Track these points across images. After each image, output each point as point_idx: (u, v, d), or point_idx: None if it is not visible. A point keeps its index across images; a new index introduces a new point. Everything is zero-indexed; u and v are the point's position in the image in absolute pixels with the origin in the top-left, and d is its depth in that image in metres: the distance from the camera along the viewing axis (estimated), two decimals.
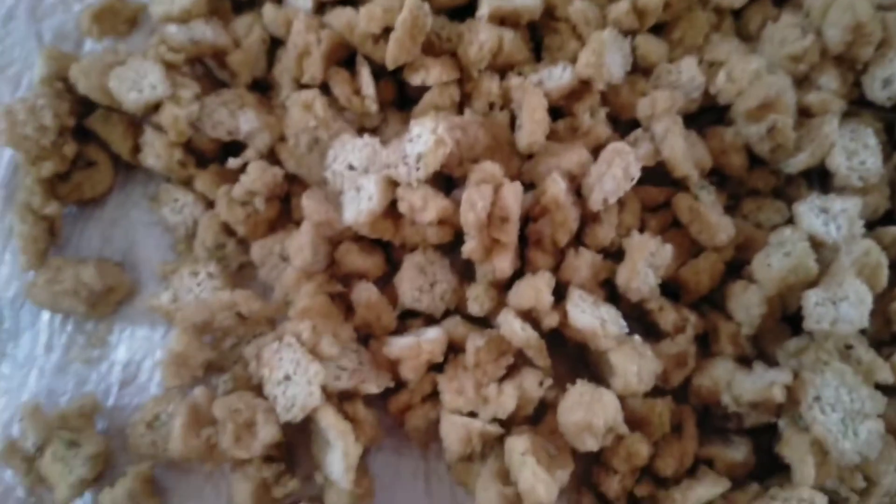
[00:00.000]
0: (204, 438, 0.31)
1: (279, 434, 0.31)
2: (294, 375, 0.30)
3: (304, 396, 0.30)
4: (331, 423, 0.30)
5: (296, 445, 0.33)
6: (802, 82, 0.39)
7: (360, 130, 0.37)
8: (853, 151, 0.37)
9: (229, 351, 0.34)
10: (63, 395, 0.34)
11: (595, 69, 0.36)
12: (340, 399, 0.32)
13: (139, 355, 0.35)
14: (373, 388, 0.32)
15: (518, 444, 0.30)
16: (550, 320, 0.32)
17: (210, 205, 0.36)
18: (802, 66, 0.39)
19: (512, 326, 0.31)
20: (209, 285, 0.35)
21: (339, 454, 0.30)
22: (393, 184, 0.32)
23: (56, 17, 0.43)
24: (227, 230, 0.36)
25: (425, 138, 0.31)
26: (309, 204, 0.34)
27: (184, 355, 0.32)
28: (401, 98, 0.39)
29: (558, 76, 0.37)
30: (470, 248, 0.32)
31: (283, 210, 0.37)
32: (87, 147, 0.37)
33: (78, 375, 0.35)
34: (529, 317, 0.32)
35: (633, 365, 0.31)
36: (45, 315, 0.36)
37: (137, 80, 0.35)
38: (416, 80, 0.36)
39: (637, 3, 0.38)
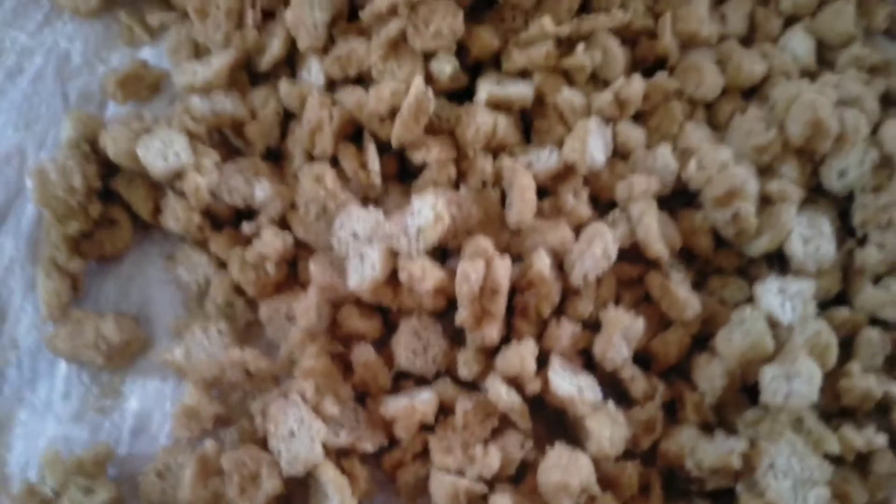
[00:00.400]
0: (211, 489, 0.33)
1: (281, 487, 0.33)
2: (298, 432, 0.33)
3: (306, 452, 0.33)
4: (330, 477, 0.33)
5: (295, 498, 0.35)
6: (765, 171, 0.43)
7: (364, 200, 0.40)
8: (809, 238, 0.41)
9: (236, 405, 0.37)
10: (78, 442, 0.36)
11: (579, 155, 0.40)
12: (338, 455, 0.35)
13: (150, 406, 0.37)
14: (369, 446, 0.35)
15: (501, 502, 0.33)
16: (534, 386, 0.35)
17: (222, 266, 0.39)
18: (766, 157, 0.43)
19: (498, 391, 0.34)
20: (219, 342, 0.37)
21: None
22: (394, 254, 0.35)
23: (81, 78, 0.46)
24: (237, 290, 0.39)
25: (426, 214, 0.35)
26: (316, 269, 0.37)
27: (195, 409, 0.35)
28: (402, 171, 0.42)
29: (545, 159, 0.41)
30: (462, 317, 0.35)
31: (289, 273, 0.40)
32: (110, 207, 0.40)
33: (92, 423, 0.37)
34: (514, 382, 0.36)
35: (607, 430, 0.35)
36: (63, 365, 0.38)
37: (164, 149, 0.38)
38: (417, 157, 0.40)
39: (619, 94, 0.42)
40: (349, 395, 0.36)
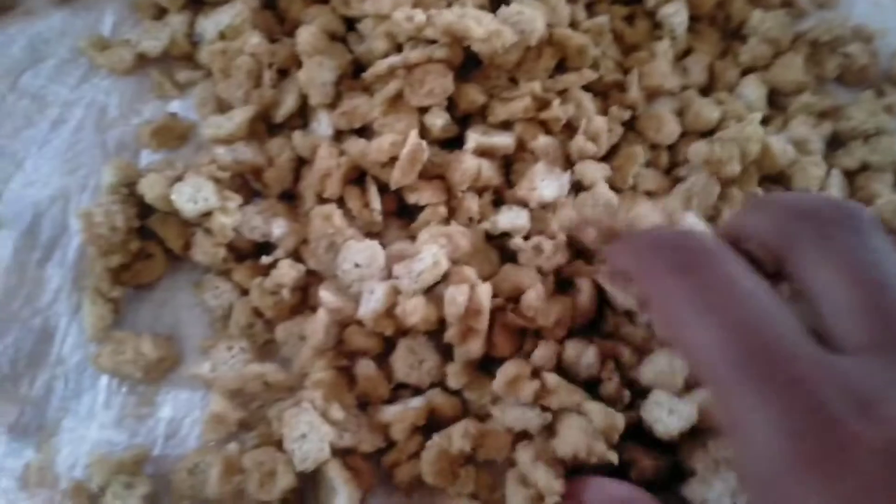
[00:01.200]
0: (235, 484, 0.39)
1: (295, 481, 0.39)
2: (308, 434, 0.39)
3: (316, 451, 0.39)
4: (337, 473, 0.39)
5: (306, 491, 0.41)
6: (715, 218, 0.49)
7: (367, 235, 0.46)
8: None
9: (256, 411, 0.42)
10: (118, 446, 0.42)
11: (526, 191, 0.46)
12: (343, 454, 0.40)
13: (181, 414, 0.43)
14: (368, 447, 0.40)
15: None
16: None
17: (244, 292, 0.45)
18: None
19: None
20: (241, 358, 0.43)
21: (343, 498, 0.38)
22: (397, 291, 0.41)
23: (118, 129, 0.52)
24: (257, 313, 0.45)
25: (427, 260, 0.41)
26: (325, 295, 0.43)
27: (221, 415, 0.41)
28: (400, 208, 0.48)
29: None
30: (451, 334, 0.41)
31: (302, 298, 0.45)
32: (147, 243, 0.46)
33: (130, 429, 0.42)
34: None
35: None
36: (104, 378, 0.44)
37: (194, 194, 0.44)
38: (412, 199, 0.46)
39: (587, 131, 0.48)
40: (353, 402, 0.41)
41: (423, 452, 0.39)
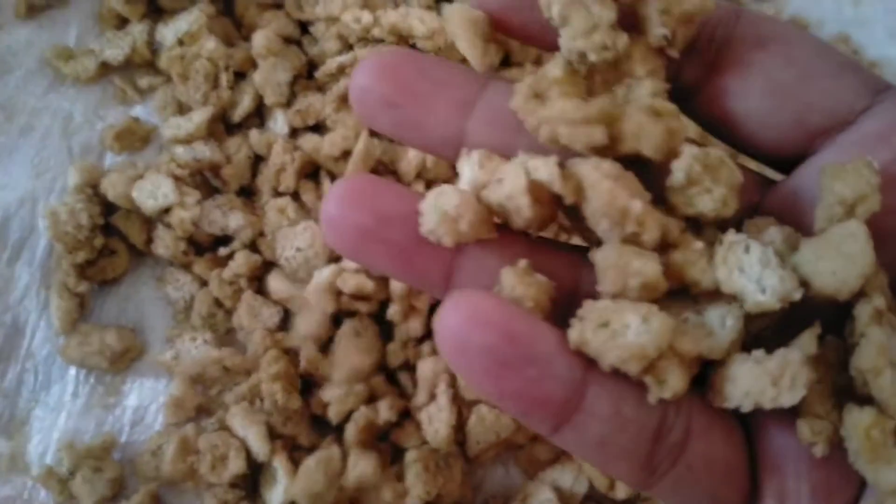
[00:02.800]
0: (188, 464, 0.41)
1: (245, 468, 0.41)
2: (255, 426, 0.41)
3: (262, 440, 0.40)
4: (281, 464, 0.40)
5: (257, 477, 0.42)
6: None
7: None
8: None
9: (215, 397, 0.45)
10: (86, 433, 0.44)
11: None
12: (285, 444, 0.42)
13: (146, 401, 0.45)
14: (305, 441, 0.42)
15: None
16: None
17: (204, 284, 0.47)
18: None
19: None
20: (203, 347, 0.45)
21: (280, 490, 0.40)
22: (343, 271, 0.43)
23: (83, 134, 0.54)
24: (217, 303, 0.47)
25: None
26: (274, 284, 0.45)
27: (180, 399, 0.43)
28: None
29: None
30: (393, 311, 0.43)
31: (259, 287, 0.48)
32: (110, 239, 0.48)
33: (98, 417, 0.44)
34: None
35: None
36: (73, 370, 0.46)
37: (154, 191, 0.46)
38: None
39: None
40: (297, 385, 0.43)
41: (351, 421, 0.41)
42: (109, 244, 0.48)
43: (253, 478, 0.42)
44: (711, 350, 0.19)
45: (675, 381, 0.18)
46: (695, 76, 0.21)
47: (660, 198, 0.20)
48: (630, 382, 0.18)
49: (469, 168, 0.20)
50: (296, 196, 0.49)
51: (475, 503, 0.42)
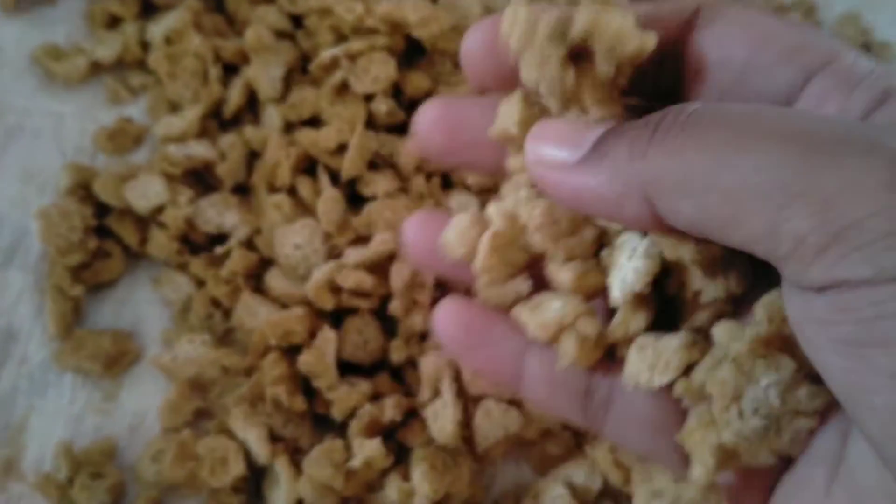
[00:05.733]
0: (188, 469, 0.40)
1: (245, 470, 0.40)
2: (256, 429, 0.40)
3: (264, 444, 0.39)
4: (283, 467, 0.39)
5: (259, 480, 0.42)
6: None
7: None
8: None
9: (216, 399, 0.44)
10: (84, 439, 0.43)
11: None
12: (287, 447, 0.41)
13: (145, 406, 0.44)
14: (306, 444, 0.41)
15: None
16: None
17: (201, 284, 0.46)
18: None
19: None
20: (202, 348, 0.44)
21: (283, 493, 0.39)
22: (342, 266, 0.42)
23: (75, 135, 0.53)
24: (215, 303, 0.46)
25: (377, 243, 0.42)
26: (273, 281, 0.44)
27: (176, 402, 0.42)
28: (353, 197, 0.49)
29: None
30: (394, 306, 0.42)
31: (257, 285, 0.47)
32: (104, 241, 0.47)
33: (95, 423, 0.43)
34: None
35: None
36: (69, 375, 0.45)
37: (146, 191, 0.45)
38: (367, 191, 0.47)
39: None
40: (298, 387, 0.42)
41: (355, 419, 0.40)
42: (104, 246, 0.47)
43: (256, 481, 0.41)
44: (611, 334, 0.22)
45: (571, 351, 0.22)
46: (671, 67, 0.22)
47: None
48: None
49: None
50: (293, 192, 0.48)
51: (486, 502, 0.41)
